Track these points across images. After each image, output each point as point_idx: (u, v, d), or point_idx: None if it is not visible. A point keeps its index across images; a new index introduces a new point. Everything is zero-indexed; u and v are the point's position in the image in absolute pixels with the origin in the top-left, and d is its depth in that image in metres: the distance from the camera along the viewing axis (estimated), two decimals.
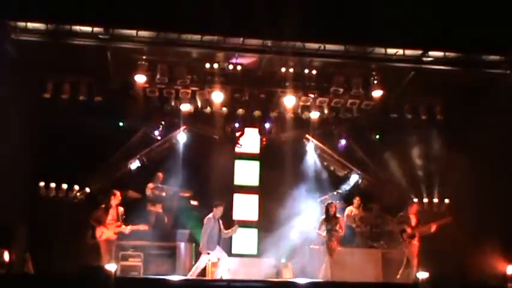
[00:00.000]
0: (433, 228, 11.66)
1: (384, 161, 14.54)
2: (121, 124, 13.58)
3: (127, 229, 11.51)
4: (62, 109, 12.94)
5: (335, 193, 14.41)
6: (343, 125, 14.79)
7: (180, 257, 12.36)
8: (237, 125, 14.29)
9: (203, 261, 11.86)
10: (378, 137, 14.44)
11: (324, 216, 12.39)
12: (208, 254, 11.72)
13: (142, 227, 11.94)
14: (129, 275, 11.75)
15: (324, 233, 12.18)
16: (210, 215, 11.96)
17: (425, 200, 14.01)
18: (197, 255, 12.67)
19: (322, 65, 13.09)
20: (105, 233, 11.34)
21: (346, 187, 14.95)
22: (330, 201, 12.96)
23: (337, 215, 12.54)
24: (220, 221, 12.06)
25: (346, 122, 14.67)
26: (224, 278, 11.57)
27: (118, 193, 11.70)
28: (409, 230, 11.71)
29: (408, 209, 12.08)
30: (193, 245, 12.82)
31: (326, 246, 12.08)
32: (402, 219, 11.88)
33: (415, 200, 13.82)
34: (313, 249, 13.02)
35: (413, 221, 11.82)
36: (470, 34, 11.46)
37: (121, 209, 11.66)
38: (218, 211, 12.00)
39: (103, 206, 11.58)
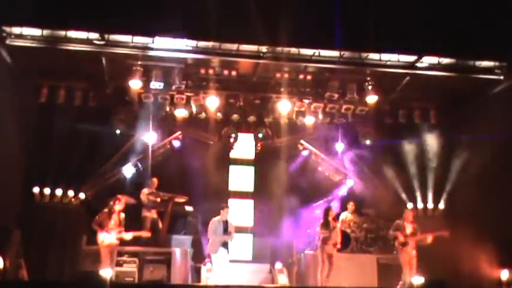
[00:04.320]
0: (429, 239, 11.52)
1: (378, 166, 14.55)
2: (118, 131, 13.51)
3: (129, 235, 11.36)
4: (56, 115, 12.93)
5: (329, 198, 14.39)
6: (338, 131, 14.80)
7: (175, 263, 12.29)
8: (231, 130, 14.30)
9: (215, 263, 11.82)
10: (368, 142, 14.38)
11: (322, 221, 12.27)
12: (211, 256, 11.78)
13: (145, 234, 11.86)
14: (124, 281, 11.70)
15: (320, 237, 12.03)
16: (216, 218, 11.90)
17: (420, 206, 14.01)
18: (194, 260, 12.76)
19: (317, 71, 13.12)
20: (107, 238, 11.17)
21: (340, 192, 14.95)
22: (328, 206, 12.87)
23: (336, 220, 12.39)
24: (229, 223, 11.94)
25: (341, 128, 14.70)
26: (219, 283, 11.56)
27: (123, 199, 11.61)
28: (401, 238, 11.63)
29: (404, 216, 11.94)
30: (188, 251, 12.80)
31: (320, 251, 11.93)
32: (397, 226, 11.82)
33: (410, 206, 13.84)
34: (308, 255, 13.02)
35: (408, 228, 11.67)
36: (463, 40, 11.53)
37: (122, 215, 11.49)
38: (225, 213, 11.94)
39: (106, 210, 11.43)
